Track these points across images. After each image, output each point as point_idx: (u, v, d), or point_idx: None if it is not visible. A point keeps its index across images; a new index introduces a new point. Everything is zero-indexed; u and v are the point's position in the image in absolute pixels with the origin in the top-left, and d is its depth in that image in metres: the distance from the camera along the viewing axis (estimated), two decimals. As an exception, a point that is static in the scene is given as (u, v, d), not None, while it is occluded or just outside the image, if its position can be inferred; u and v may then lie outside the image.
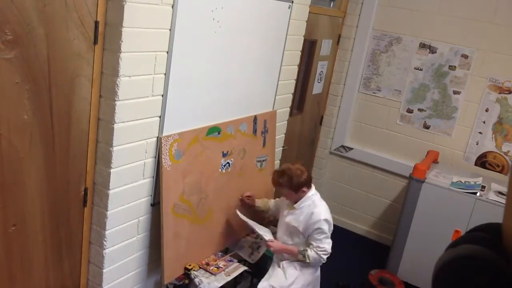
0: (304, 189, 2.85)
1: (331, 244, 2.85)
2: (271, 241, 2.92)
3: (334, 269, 3.17)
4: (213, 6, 2.49)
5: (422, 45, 4.24)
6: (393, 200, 4.55)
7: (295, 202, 2.88)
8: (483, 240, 0.61)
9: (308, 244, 2.86)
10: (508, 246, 0.59)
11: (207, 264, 2.86)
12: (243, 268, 2.95)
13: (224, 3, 2.55)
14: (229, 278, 2.83)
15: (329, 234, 2.82)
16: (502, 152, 4.05)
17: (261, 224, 3.32)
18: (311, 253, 2.81)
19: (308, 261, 2.83)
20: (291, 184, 2.82)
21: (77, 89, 2.07)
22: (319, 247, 2.80)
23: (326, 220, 2.81)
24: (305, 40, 3.52)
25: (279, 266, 2.93)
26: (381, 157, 4.58)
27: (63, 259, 2.30)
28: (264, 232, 2.99)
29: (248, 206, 3.20)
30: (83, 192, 2.27)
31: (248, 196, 3.17)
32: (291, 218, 2.90)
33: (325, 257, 2.83)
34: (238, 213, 3.03)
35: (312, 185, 2.94)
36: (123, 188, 2.31)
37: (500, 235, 0.62)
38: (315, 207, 2.83)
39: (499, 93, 3.98)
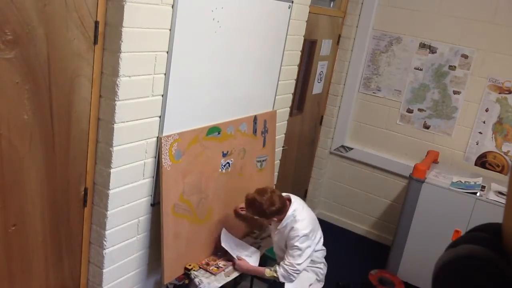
0: (275, 218, 2.81)
1: (307, 260, 2.81)
2: (239, 259, 2.90)
3: (334, 269, 3.18)
4: (213, 6, 2.49)
5: (422, 45, 4.24)
6: (393, 200, 4.56)
7: (277, 223, 2.86)
8: (483, 240, 0.61)
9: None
10: (508, 246, 0.59)
11: (207, 264, 2.86)
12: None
13: (224, 3, 2.55)
14: (229, 279, 2.82)
15: (305, 251, 2.77)
16: (502, 152, 4.05)
17: (261, 226, 3.32)
18: (280, 270, 2.79)
19: (278, 278, 2.81)
20: (259, 215, 2.81)
21: (77, 89, 2.07)
22: (291, 264, 2.77)
23: (305, 236, 2.76)
24: (305, 40, 3.52)
25: None
26: (381, 157, 4.58)
27: (63, 259, 2.30)
28: (241, 252, 2.98)
29: (245, 217, 3.17)
30: (83, 192, 2.27)
31: (242, 208, 3.07)
32: (278, 237, 2.91)
33: (295, 275, 2.79)
34: (222, 237, 2.95)
35: (293, 201, 2.87)
36: (123, 188, 2.31)
37: (500, 235, 0.62)
38: (295, 222, 2.79)
39: (499, 93, 3.98)
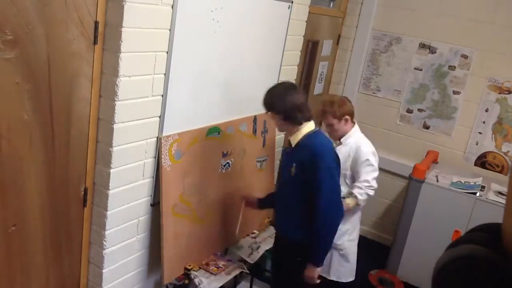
0: (347, 117, 2.94)
1: (376, 178, 2.94)
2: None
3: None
4: (213, 6, 2.49)
5: (422, 45, 4.24)
6: (393, 200, 4.55)
7: (339, 138, 2.97)
8: (483, 240, 0.61)
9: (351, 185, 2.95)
10: (508, 246, 0.59)
11: (207, 264, 2.86)
12: (242, 268, 2.95)
13: (223, 3, 2.55)
14: (229, 277, 2.83)
15: (376, 166, 2.92)
16: (502, 152, 4.05)
17: (260, 224, 3.32)
18: (357, 191, 2.88)
19: (358, 203, 2.89)
20: (335, 113, 2.93)
21: (77, 89, 2.07)
22: (366, 181, 2.89)
23: (373, 153, 2.92)
24: (308, 41, 3.52)
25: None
26: (381, 157, 4.49)
27: (63, 259, 2.30)
28: None
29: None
30: (83, 192, 2.27)
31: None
32: (344, 149, 2.97)
33: (371, 192, 2.91)
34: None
35: (355, 122, 3.03)
36: (123, 188, 2.31)
37: (499, 235, 0.62)
38: (361, 143, 2.94)
39: (499, 93, 3.98)
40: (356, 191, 2.89)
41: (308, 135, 2.45)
